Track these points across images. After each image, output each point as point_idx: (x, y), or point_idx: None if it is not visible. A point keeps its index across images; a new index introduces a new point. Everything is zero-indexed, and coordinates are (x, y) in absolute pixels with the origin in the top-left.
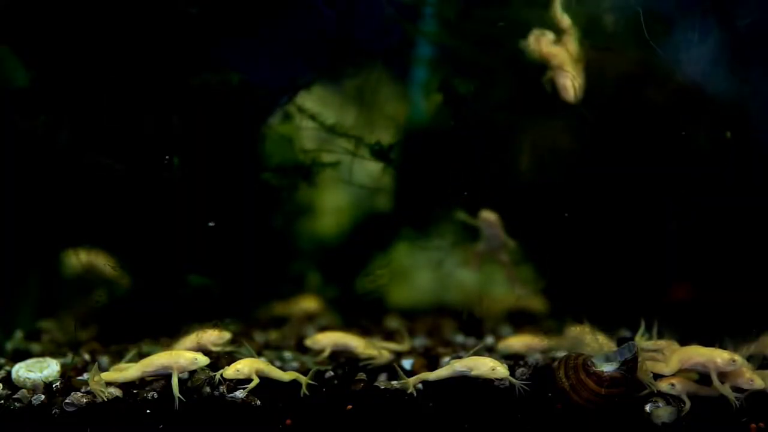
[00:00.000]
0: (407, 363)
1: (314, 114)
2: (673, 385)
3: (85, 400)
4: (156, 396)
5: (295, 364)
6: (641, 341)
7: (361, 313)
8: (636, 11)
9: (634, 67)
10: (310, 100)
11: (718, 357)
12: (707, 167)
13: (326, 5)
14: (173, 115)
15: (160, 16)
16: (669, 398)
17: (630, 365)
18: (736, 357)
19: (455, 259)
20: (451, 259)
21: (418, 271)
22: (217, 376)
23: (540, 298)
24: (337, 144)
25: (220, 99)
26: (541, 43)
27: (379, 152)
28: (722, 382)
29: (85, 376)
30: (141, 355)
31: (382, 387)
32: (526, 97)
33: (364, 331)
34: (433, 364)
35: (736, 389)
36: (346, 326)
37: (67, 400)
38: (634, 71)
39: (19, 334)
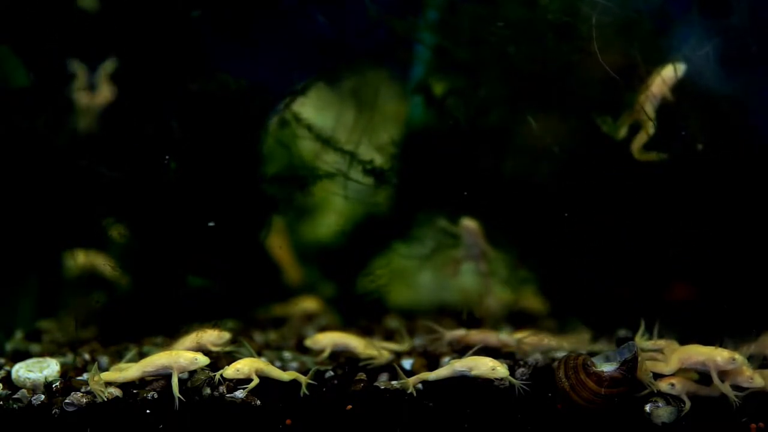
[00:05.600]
0: (407, 363)
1: (310, 125)
2: (673, 385)
3: (85, 400)
4: (156, 396)
5: (295, 364)
6: (641, 341)
7: (361, 313)
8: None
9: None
10: (307, 104)
11: (719, 355)
12: (706, 167)
13: (322, 15)
14: (172, 118)
15: (159, 21)
16: (669, 398)
17: (630, 365)
18: (736, 355)
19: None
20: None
21: (418, 271)
22: (217, 376)
23: (539, 299)
24: (337, 143)
25: (218, 103)
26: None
27: (372, 171)
28: (722, 381)
29: (85, 376)
30: (141, 355)
31: (382, 387)
32: (515, 97)
33: (364, 331)
34: (433, 364)
35: (737, 388)
36: (346, 326)
37: (67, 400)
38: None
39: (19, 334)
